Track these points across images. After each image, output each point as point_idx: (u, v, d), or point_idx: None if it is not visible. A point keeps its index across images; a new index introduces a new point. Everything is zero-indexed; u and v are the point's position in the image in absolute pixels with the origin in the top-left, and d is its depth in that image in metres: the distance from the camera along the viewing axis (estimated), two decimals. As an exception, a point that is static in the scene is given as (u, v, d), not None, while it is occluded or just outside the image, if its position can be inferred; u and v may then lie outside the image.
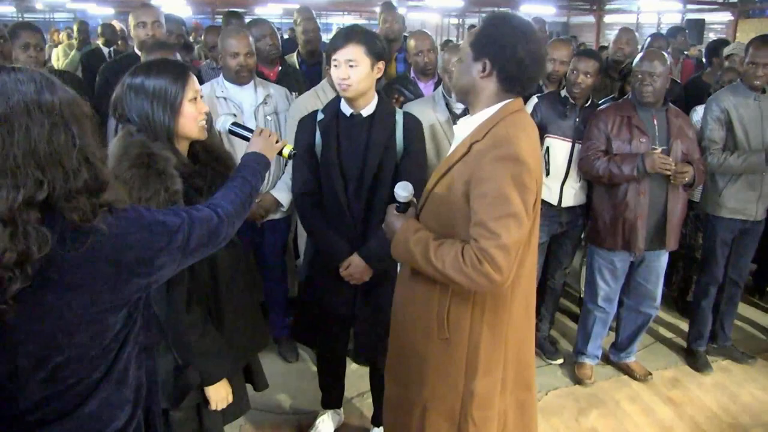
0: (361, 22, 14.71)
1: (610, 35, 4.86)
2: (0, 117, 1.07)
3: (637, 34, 4.53)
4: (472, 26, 12.28)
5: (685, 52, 7.79)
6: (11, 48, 3.04)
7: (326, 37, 4.77)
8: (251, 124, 3.10)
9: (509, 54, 1.71)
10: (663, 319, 4.19)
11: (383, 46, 2.45)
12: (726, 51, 4.67)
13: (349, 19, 24.19)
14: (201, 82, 3.32)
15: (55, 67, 7.29)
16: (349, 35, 2.35)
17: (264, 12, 20.12)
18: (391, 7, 4.55)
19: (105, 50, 5.86)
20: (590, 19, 18.05)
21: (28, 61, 3.16)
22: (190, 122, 1.83)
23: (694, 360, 3.64)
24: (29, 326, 1.15)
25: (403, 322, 1.97)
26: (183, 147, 1.89)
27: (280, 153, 1.96)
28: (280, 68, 3.87)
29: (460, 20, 21.29)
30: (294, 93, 3.59)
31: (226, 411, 2.05)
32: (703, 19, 14.63)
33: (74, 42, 7.68)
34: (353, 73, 2.33)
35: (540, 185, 1.77)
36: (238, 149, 2.42)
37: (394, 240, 1.84)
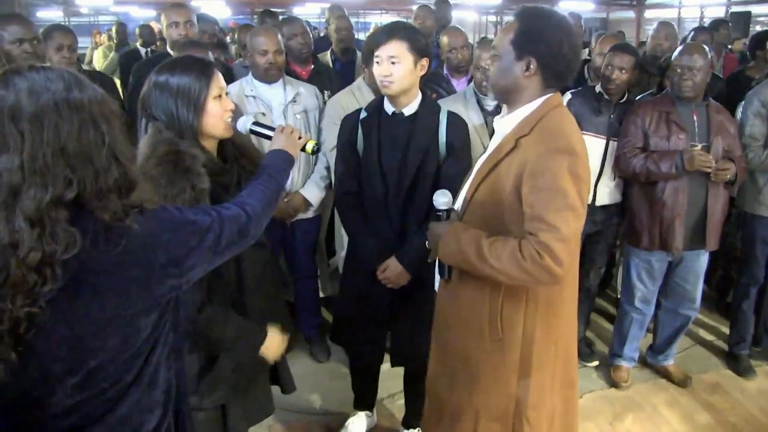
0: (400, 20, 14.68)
1: (651, 31, 4.72)
2: (29, 115, 1.06)
3: (677, 28, 4.40)
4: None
5: (729, 47, 7.57)
6: (45, 49, 3.09)
7: (364, 36, 4.76)
8: (280, 123, 3.10)
9: (555, 50, 1.68)
10: (703, 321, 4.07)
11: (427, 42, 2.40)
12: None
13: (387, 18, 24.17)
14: (233, 80, 3.37)
15: (96, 68, 7.47)
16: (392, 31, 2.31)
17: (302, 12, 20.22)
18: (426, 5, 4.52)
19: (142, 51, 5.94)
20: (630, 14, 17.64)
21: (62, 61, 3.21)
22: (215, 120, 1.82)
23: (736, 364, 3.52)
24: (63, 331, 1.14)
25: (449, 327, 1.92)
26: (211, 145, 1.89)
27: (303, 149, 1.94)
28: (312, 67, 3.87)
29: (498, 18, 21.08)
30: (326, 92, 3.59)
31: (251, 413, 2.04)
32: (749, 12, 14.16)
33: (113, 44, 7.82)
34: (395, 70, 2.28)
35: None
36: (267, 148, 2.42)
37: (441, 243, 1.78)
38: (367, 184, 2.45)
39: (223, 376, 1.90)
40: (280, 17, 5.05)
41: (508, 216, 1.69)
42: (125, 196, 1.16)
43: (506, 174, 1.69)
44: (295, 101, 3.19)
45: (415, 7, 4.73)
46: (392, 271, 2.45)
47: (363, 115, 2.48)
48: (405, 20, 3.79)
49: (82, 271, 1.11)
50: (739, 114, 3.48)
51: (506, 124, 1.79)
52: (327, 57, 4.31)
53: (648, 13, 17.68)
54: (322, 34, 7.80)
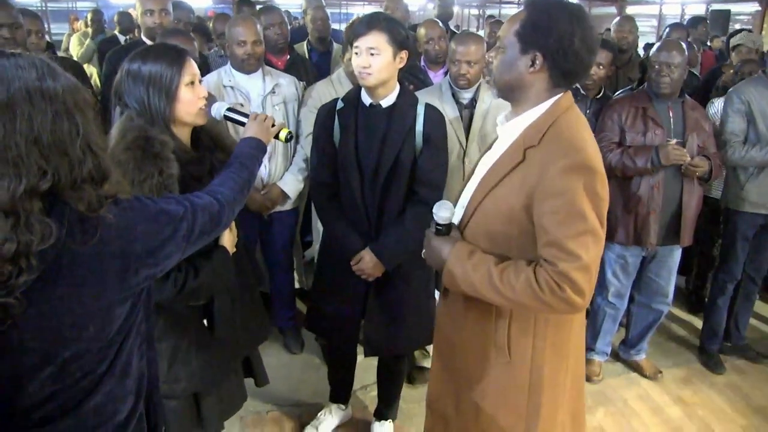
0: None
1: (614, 24, 4.78)
2: (2, 104, 1.04)
3: (657, 25, 4.50)
4: (491, 17, 12.11)
5: (708, 44, 7.64)
6: (24, 35, 3.03)
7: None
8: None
9: (565, 45, 1.50)
10: (676, 316, 4.11)
11: (407, 34, 2.37)
12: (733, 41, 4.55)
13: (369, 9, 24.12)
14: (208, 71, 3.33)
15: (73, 55, 7.36)
16: (371, 22, 2.27)
17: (282, 1, 20.11)
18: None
19: (122, 38, 5.84)
20: (612, 10, 17.75)
21: (30, 47, 3.14)
22: (187, 107, 1.83)
23: (707, 359, 3.57)
24: (38, 322, 1.12)
25: (452, 346, 1.80)
26: (183, 132, 1.89)
27: (276, 137, 1.92)
28: (288, 57, 3.83)
29: (480, 11, 21.12)
30: (302, 83, 3.56)
31: (224, 403, 2.03)
32: (729, 10, 14.30)
33: (89, 31, 7.69)
34: (374, 62, 2.25)
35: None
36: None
37: (445, 269, 1.62)
38: (343, 175, 2.43)
39: (191, 368, 1.89)
40: (258, 6, 4.97)
41: (514, 234, 1.57)
42: (99, 186, 1.15)
43: (515, 190, 1.54)
44: (274, 92, 3.16)
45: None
46: (366, 263, 2.45)
47: (340, 105, 2.46)
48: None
49: (58, 261, 1.10)
50: (714, 110, 3.53)
51: (511, 129, 1.64)
52: (303, 47, 4.27)
53: (629, 9, 17.80)
54: (299, 24, 7.77)
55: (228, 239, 1.88)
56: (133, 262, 1.21)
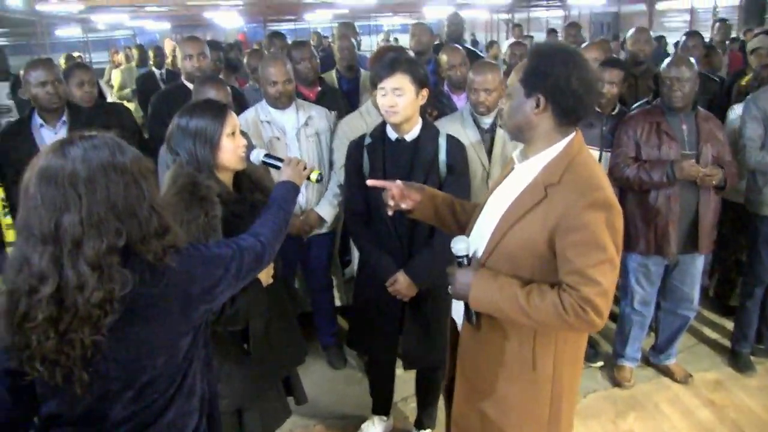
0: (410, 22, 14.82)
1: (666, 23, 4.82)
2: (85, 179, 1.29)
3: (690, 19, 4.59)
4: (517, 25, 12.18)
5: (742, 38, 7.54)
6: (66, 88, 3.35)
7: (376, 39, 4.94)
8: (294, 146, 3.32)
9: (563, 86, 1.67)
10: (708, 320, 4.18)
11: (426, 73, 2.59)
12: (750, 46, 4.58)
13: (398, 20, 24.36)
14: (245, 106, 3.57)
15: (114, 86, 7.83)
16: (394, 65, 2.49)
17: (313, 17, 20.50)
18: (421, 22, 4.70)
19: (157, 73, 6.23)
20: (641, 7, 17.61)
21: (84, 96, 3.53)
22: (229, 155, 2.08)
23: (738, 362, 3.63)
24: (120, 354, 1.37)
25: (477, 369, 1.93)
26: (226, 177, 2.13)
27: (308, 178, 2.13)
28: (319, 89, 4.04)
29: (510, 15, 21.15)
30: (333, 112, 3.76)
31: (267, 419, 2.24)
32: (765, 0, 13.99)
33: (132, 66, 8.18)
34: (400, 101, 2.48)
35: None
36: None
37: (472, 291, 1.76)
38: (375, 205, 2.63)
39: (233, 386, 2.10)
40: (290, 40, 5.23)
41: (538, 265, 1.71)
42: (162, 238, 1.39)
43: (538, 225, 1.69)
44: (307, 124, 3.37)
45: (425, 9, 4.92)
46: (401, 283, 2.65)
47: (368, 141, 2.67)
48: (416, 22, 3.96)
49: (134, 304, 1.35)
50: (734, 116, 3.62)
51: (528, 168, 1.78)
52: (332, 75, 4.48)
53: (660, 5, 17.64)
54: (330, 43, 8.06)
55: (263, 273, 2.09)
56: (194, 300, 1.46)
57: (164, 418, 1.48)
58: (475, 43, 15.84)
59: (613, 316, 4.15)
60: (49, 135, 3.27)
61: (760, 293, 3.59)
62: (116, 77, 8.25)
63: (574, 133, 1.76)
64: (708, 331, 4.07)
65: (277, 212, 1.89)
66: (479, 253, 1.84)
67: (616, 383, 3.51)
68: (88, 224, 1.28)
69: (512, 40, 6.61)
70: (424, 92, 2.54)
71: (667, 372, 3.57)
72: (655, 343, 3.64)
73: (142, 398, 1.44)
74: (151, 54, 7.20)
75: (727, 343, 3.85)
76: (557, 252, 1.67)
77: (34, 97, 3.22)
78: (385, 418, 3.18)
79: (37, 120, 3.30)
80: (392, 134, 2.63)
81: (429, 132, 2.64)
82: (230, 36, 18.00)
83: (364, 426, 3.15)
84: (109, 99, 7.81)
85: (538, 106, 1.71)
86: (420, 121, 2.62)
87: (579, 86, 1.68)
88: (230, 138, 2.07)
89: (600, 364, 3.69)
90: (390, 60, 2.56)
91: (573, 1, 17.46)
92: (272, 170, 2.25)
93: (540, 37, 13.18)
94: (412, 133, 2.60)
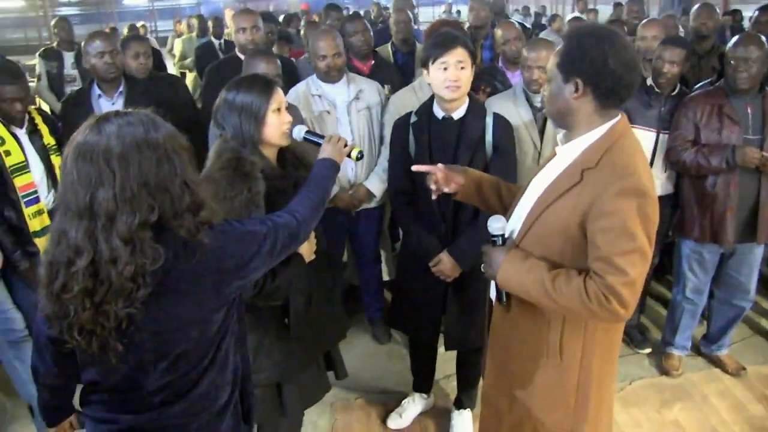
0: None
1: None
2: (118, 155, 1.32)
3: None
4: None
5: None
6: (123, 59, 3.43)
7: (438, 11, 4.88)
8: (344, 120, 3.33)
9: (600, 67, 1.62)
10: (765, 310, 4.02)
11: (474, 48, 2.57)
12: None
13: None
14: (298, 79, 3.59)
15: (176, 56, 8.01)
16: (456, 38, 2.49)
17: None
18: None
19: (216, 42, 6.31)
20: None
21: (139, 67, 3.62)
22: (274, 130, 2.09)
23: (795, 356, 3.50)
24: (153, 326, 1.41)
25: (507, 349, 1.93)
26: (271, 152, 2.15)
27: (348, 155, 2.13)
28: (373, 62, 4.02)
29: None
30: (387, 86, 3.74)
31: (306, 393, 2.28)
32: None
33: (193, 36, 8.30)
34: (463, 75, 2.47)
35: None
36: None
37: (501, 271, 1.76)
38: (420, 185, 2.61)
39: (273, 360, 2.16)
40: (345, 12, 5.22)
41: (567, 248, 1.69)
42: (196, 214, 1.42)
43: (571, 208, 1.66)
44: (358, 98, 3.37)
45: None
46: (444, 264, 2.64)
47: (413, 119, 2.65)
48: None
49: (167, 278, 1.38)
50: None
51: (569, 150, 1.75)
52: (387, 49, 4.45)
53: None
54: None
55: (305, 248, 2.11)
56: (226, 276, 1.48)
57: (197, 389, 1.52)
58: (538, 15, 15.44)
59: (666, 303, 4.08)
60: (106, 105, 3.37)
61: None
62: (178, 47, 8.40)
63: (618, 117, 1.71)
64: (766, 323, 3.91)
65: (315, 189, 1.90)
66: (515, 234, 1.83)
67: (664, 371, 3.43)
68: (122, 199, 1.31)
69: (576, 14, 6.43)
70: (474, 68, 2.53)
71: (718, 363, 3.47)
72: (707, 332, 3.53)
73: (176, 369, 1.48)
74: (210, 24, 7.28)
75: (786, 336, 3.71)
76: (588, 237, 1.64)
77: (93, 68, 3.32)
78: (425, 396, 3.19)
79: (96, 90, 3.41)
80: (439, 113, 2.60)
81: (476, 110, 2.60)
82: (293, 6, 18.04)
83: (404, 402, 3.17)
84: (170, 68, 8.01)
85: (577, 90, 1.67)
86: (467, 99, 2.58)
87: (617, 66, 1.63)
88: (276, 114, 2.08)
89: (648, 350, 3.60)
90: (448, 34, 2.54)
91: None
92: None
93: (606, 10, 12.73)
94: (459, 112, 2.57)
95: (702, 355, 3.55)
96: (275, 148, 2.16)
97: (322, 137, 2.13)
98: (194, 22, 9.20)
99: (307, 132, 2.17)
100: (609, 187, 1.60)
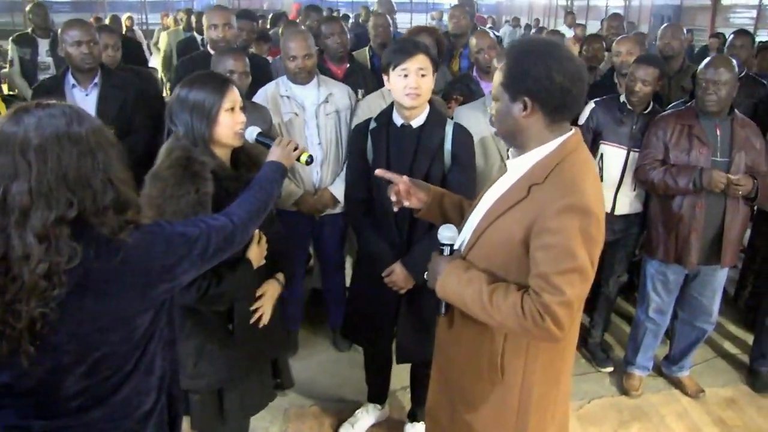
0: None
1: (731, 18, 4.56)
2: (36, 147, 1.26)
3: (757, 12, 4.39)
4: (570, 12, 11.86)
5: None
6: (100, 50, 3.35)
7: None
8: (312, 123, 3.27)
9: (547, 84, 1.57)
10: (730, 333, 4.02)
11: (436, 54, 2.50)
12: None
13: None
14: (270, 78, 3.53)
15: (161, 50, 7.90)
16: (417, 45, 2.44)
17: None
18: (460, 4, 4.57)
19: (198, 38, 6.21)
20: (707, 1, 16.90)
21: (107, 60, 3.53)
22: (226, 130, 2.02)
23: (755, 380, 3.48)
24: (71, 328, 1.34)
25: (450, 361, 1.90)
26: (223, 152, 2.08)
27: (298, 159, 2.08)
28: (348, 66, 3.97)
29: (568, 1, 20.67)
30: (360, 90, 3.69)
31: (247, 401, 2.22)
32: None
33: (180, 29, 8.22)
34: (424, 83, 2.42)
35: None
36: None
37: (440, 279, 1.72)
38: (376, 192, 2.56)
39: (215, 366, 2.09)
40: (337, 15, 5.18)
41: (511, 264, 1.65)
42: (122, 213, 1.35)
43: (517, 223, 1.61)
44: (327, 101, 3.31)
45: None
46: (397, 275, 2.57)
47: (373, 125, 2.59)
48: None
49: (86, 278, 1.31)
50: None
51: (519, 165, 1.70)
52: (365, 53, 4.40)
53: (726, 0, 16.93)
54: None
55: (254, 253, 2.06)
56: (152, 278, 1.42)
57: (118, 395, 1.45)
58: (528, 27, 15.50)
59: (630, 321, 4.06)
60: (80, 96, 3.28)
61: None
62: (163, 40, 8.32)
63: (571, 131, 1.67)
64: (729, 346, 3.90)
65: (257, 193, 1.85)
66: (464, 246, 1.79)
67: (624, 391, 3.40)
68: (37, 193, 1.24)
69: (556, 28, 6.43)
70: (436, 76, 2.50)
71: (678, 384, 3.45)
72: (669, 353, 3.51)
73: (95, 373, 1.41)
74: (193, 19, 7.21)
75: (746, 359, 3.69)
76: (530, 253, 1.60)
77: (68, 56, 3.23)
78: (379, 406, 3.14)
79: (70, 80, 3.31)
80: (398, 120, 2.55)
81: (436, 119, 2.55)
82: (287, 6, 17.98)
83: (357, 412, 3.11)
84: (153, 62, 7.91)
85: (525, 108, 1.62)
86: (428, 107, 2.53)
87: (563, 80, 1.57)
88: (229, 113, 2.01)
89: (610, 369, 3.58)
90: (409, 41, 2.49)
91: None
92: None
93: (595, 25, 12.80)
94: (418, 119, 2.52)
95: (663, 376, 3.53)
96: (228, 149, 2.09)
97: (273, 140, 2.08)
98: (182, 16, 9.12)
99: (260, 134, 2.12)
100: (553, 204, 1.56)
